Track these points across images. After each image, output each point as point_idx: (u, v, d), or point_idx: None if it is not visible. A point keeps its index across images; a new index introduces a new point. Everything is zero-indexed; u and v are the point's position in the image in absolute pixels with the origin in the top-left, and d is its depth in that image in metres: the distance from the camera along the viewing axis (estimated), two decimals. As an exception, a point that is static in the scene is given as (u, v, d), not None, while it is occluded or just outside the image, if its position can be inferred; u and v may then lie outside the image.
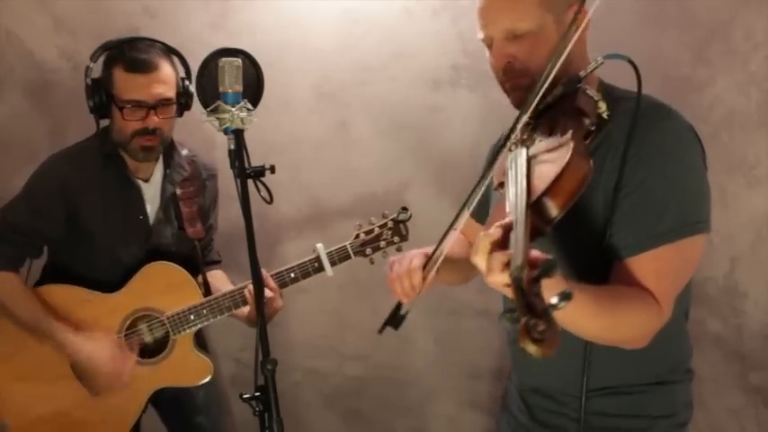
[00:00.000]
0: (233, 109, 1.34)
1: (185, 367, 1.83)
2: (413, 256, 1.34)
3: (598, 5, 1.04)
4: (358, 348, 2.41)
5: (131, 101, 1.69)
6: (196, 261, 1.88)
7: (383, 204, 1.87)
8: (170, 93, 1.73)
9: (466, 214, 1.15)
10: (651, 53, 2.09)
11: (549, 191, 0.94)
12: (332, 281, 2.30)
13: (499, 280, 0.86)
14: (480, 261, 0.90)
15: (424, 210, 2.06)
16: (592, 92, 1.10)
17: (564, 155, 0.98)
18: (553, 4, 1.18)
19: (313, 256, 1.78)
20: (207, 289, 1.86)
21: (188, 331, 1.80)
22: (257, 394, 1.32)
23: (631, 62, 1.12)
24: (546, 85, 1.04)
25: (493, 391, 2.37)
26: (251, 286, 1.72)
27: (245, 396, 1.35)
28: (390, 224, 1.79)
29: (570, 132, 1.03)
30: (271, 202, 1.45)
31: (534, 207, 0.92)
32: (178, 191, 1.87)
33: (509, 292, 0.82)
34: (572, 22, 1.11)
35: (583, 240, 1.18)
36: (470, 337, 2.35)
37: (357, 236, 1.80)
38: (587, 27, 1.20)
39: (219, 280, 1.98)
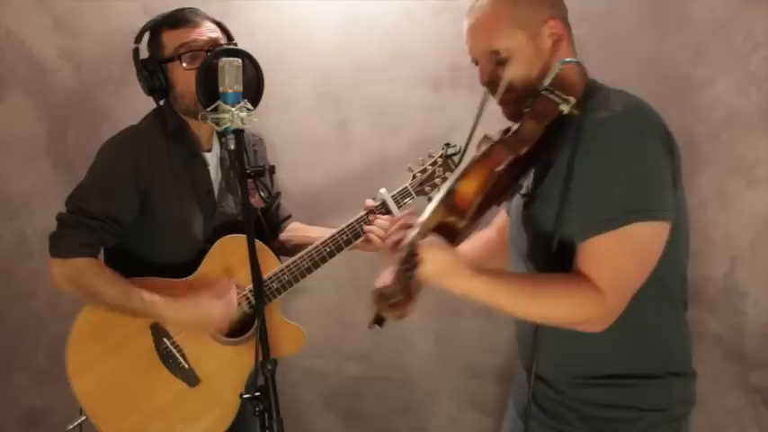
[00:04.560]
0: (233, 109, 1.34)
1: (278, 338, 1.76)
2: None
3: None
4: (358, 348, 2.41)
5: (187, 45, 1.68)
6: (261, 230, 1.84)
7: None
8: (223, 40, 1.72)
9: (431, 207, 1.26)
10: (651, 53, 2.09)
11: (458, 186, 1.13)
12: (331, 281, 2.31)
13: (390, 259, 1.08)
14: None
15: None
16: (555, 96, 1.19)
17: (478, 153, 1.17)
18: (523, 22, 1.29)
19: (378, 203, 1.82)
20: (276, 255, 1.83)
21: (273, 301, 1.78)
22: (257, 394, 1.32)
23: (579, 65, 1.24)
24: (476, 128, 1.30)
25: (493, 391, 2.37)
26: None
27: (245, 396, 1.35)
28: (440, 161, 1.84)
29: (500, 134, 1.20)
30: (271, 201, 1.46)
31: (446, 201, 1.13)
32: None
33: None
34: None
35: (546, 233, 1.27)
36: (470, 337, 2.35)
37: (414, 176, 1.85)
38: (563, 40, 1.31)
39: (300, 229, 1.97)
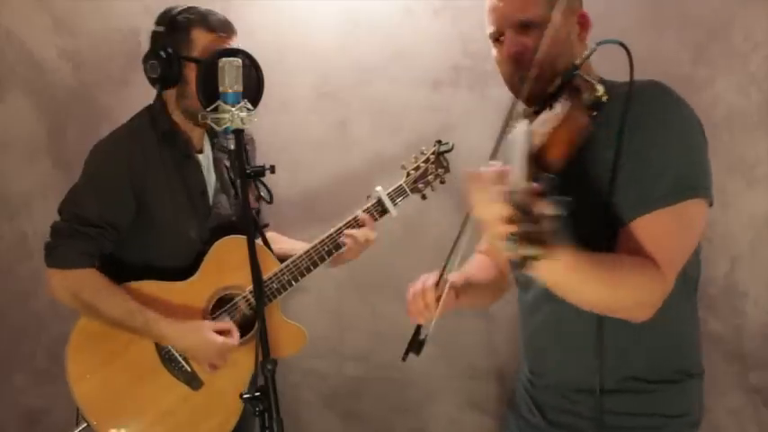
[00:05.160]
0: (233, 109, 1.34)
1: (279, 338, 1.75)
2: (427, 277, 1.36)
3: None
4: (357, 349, 2.41)
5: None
6: (257, 230, 1.82)
7: (383, 204, 1.87)
8: None
9: (468, 231, 1.22)
10: (651, 53, 2.08)
11: (547, 142, 1.04)
12: (331, 281, 2.31)
13: (496, 209, 0.87)
14: (477, 197, 0.93)
15: (423, 210, 2.06)
16: (589, 77, 1.14)
17: (561, 112, 1.07)
18: (561, 1, 1.22)
19: (374, 201, 1.83)
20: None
21: (274, 301, 1.77)
22: (257, 394, 1.32)
23: (623, 45, 1.16)
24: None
25: (493, 391, 2.37)
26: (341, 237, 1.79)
27: (245, 396, 1.35)
28: (432, 158, 1.86)
29: (568, 101, 1.11)
30: (271, 201, 1.46)
31: (534, 158, 0.99)
32: (227, 162, 1.83)
33: (500, 227, 0.86)
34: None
35: (587, 212, 1.18)
36: (470, 337, 2.35)
37: (408, 174, 1.86)
38: (588, 29, 1.28)
39: (278, 240, 1.96)
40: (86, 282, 1.66)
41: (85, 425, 1.70)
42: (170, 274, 1.74)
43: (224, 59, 1.34)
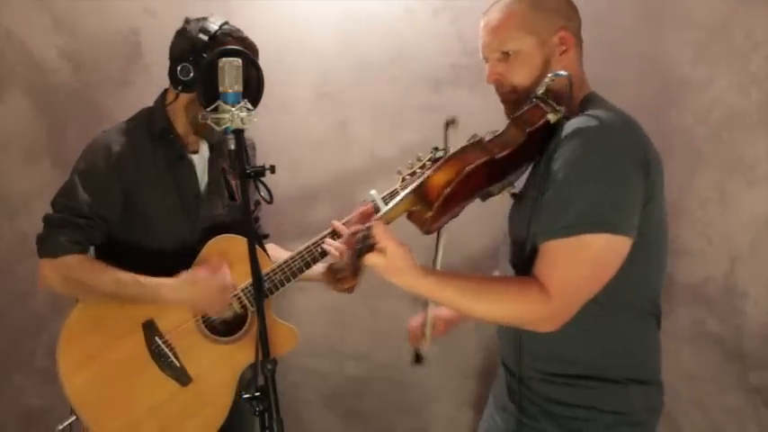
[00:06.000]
0: (233, 109, 1.34)
1: (271, 338, 1.74)
2: (415, 317, 1.60)
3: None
4: (358, 348, 2.41)
5: None
6: (256, 237, 1.85)
7: (383, 204, 1.87)
8: None
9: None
10: (651, 53, 2.09)
11: (431, 175, 1.22)
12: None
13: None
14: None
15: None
16: (545, 105, 1.27)
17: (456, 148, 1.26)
18: (535, 28, 1.36)
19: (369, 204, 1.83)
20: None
21: (266, 301, 1.76)
22: (257, 394, 1.32)
23: (569, 77, 1.28)
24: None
25: (493, 391, 2.37)
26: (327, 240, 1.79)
27: (245, 396, 1.35)
28: (428, 164, 1.86)
29: (489, 134, 1.28)
30: (271, 201, 1.46)
31: (417, 191, 1.23)
32: (225, 164, 1.85)
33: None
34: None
35: (522, 234, 1.33)
36: (470, 337, 2.35)
37: (403, 179, 1.86)
38: (570, 51, 1.38)
39: (276, 251, 1.97)
40: (75, 263, 1.69)
41: (74, 417, 1.73)
42: (162, 272, 1.74)
43: (224, 59, 1.34)
